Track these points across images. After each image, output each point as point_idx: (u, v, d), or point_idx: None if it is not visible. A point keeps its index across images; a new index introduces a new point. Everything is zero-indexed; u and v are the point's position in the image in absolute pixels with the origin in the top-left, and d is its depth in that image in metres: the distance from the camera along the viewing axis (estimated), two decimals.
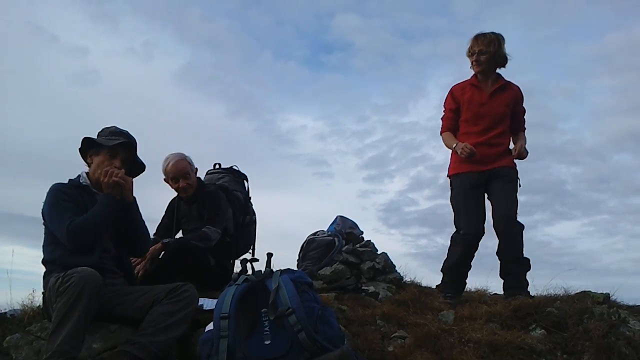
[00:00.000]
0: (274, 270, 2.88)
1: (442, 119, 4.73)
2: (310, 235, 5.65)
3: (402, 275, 5.34)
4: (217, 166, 4.83)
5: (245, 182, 4.77)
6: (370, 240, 5.61)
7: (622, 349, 3.12)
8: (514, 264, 4.30)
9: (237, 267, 4.28)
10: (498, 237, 4.34)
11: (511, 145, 4.57)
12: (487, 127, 4.45)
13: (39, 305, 3.35)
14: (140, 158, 3.37)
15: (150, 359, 2.57)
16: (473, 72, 4.58)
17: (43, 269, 3.03)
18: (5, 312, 3.69)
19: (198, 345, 2.67)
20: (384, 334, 3.39)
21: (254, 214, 4.69)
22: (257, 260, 3.62)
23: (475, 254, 4.45)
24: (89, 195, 3.13)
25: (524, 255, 4.32)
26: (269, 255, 3.12)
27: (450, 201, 4.58)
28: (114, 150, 3.16)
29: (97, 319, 2.72)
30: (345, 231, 5.70)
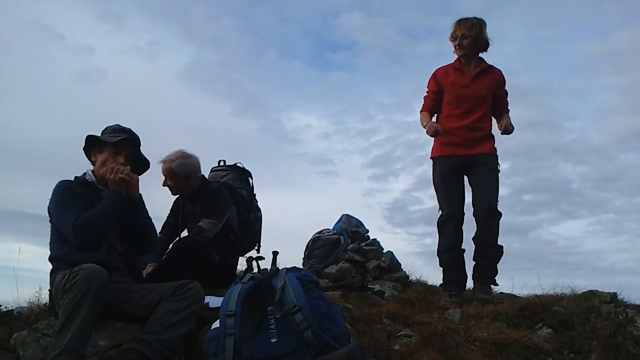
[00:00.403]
0: (280, 268, 2.88)
1: (423, 98, 4.85)
2: (315, 234, 5.65)
3: (407, 273, 5.33)
4: (221, 163, 4.83)
5: (249, 179, 4.76)
6: (375, 239, 5.60)
7: (630, 348, 3.11)
8: (488, 250, 4.45)
9: (243, 264, 4.32)
10: (477, 224, 4.48)
11: (494, 130, 4.69)
12: (468, 109, 4.57)
13: (46, 303, 3.35)
14: (145, 156, 3.38)
15: (157, 357, 2.57)
16: (456, 56, 4.69)
17: (49, 266, 3.03)
18: (12, 310, 3.71)
19: (204, 342, 2.67)
20: (390, 333, 3.39)
21: (259, 210, 4.70)
22: (262, 258, 3.63)
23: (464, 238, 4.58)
24: (95, 192, 3.14)
25: (498, 243, 4.48)
26: (275, 253, 3.13)
27: (433, 184, 4.73)
28: (117, 146, 3.17)
29: (103, 317, 2.72)
30: (350, 230, 5.70)
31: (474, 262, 4.49)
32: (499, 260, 4.49)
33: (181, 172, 4.15)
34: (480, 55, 4.68)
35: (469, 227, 4.57)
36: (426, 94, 4.83)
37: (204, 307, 3.07)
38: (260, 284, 2.77)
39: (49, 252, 3.06)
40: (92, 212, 2.94)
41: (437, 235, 4.66)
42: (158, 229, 3.95)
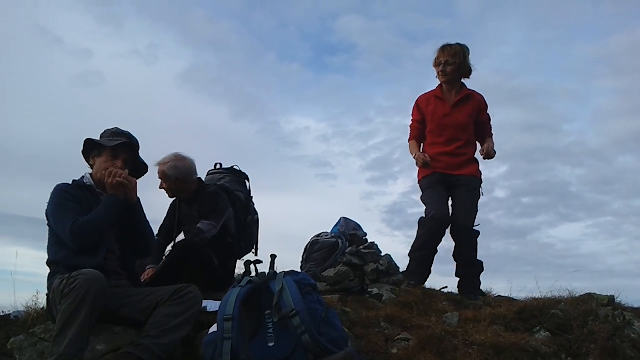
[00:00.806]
0: (278, 272, 2.88)
1: (410, 126, 4.99)
2: (313, 237, 5.64)
3: None
4: (218, 166, 4.83)
5: (246, 181, 4.77)
6: (374, 242, 5.58)
7: (627, 351, 3.11)
8: (467, 267, 4.61)
9: (240, 268, 4.32)
10: (455, 242, 4.65)
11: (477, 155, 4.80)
12: (451, 137, 4.69)
13: (43, 307, 3.35)
14: (143, 159, 3.38)
15: None
16: (439, 82, 4.78)
17: (47, 271, 3.03)
18: (9, 314, 3.70)
19: (202, 347, 2.66)
20: (388, 336, 3.38)
21: (256, 213, 4.70)
22: (260, 262, 3.61)
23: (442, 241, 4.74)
24: (93, 196, 3.14)
25: (478, 259, 4.63)
26: (273, 257, 3.13)
27: (421, 199, 4.83)
28: (116, 150, 3.17)
29: (101, 321, 2.71)
30: (348, 233, 5.69)
31: (458, 277, 4.65)
32: (480, 274, 4.64)
33: (172, 175, 4.17)
34: (463, 80, 4.79)
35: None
36: (411, 122, 4.97)
37: (202, 311, 3.06)
38: (258, 287, 2.77)
39: (46, 256, 3.05)
40: (90, 215, 2.94)
41: (417, 235, 4.78)
42: (155, 231, 3.96)
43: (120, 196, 3.05)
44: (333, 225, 5.91)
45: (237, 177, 4.74)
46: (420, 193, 4.84)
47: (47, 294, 2.96)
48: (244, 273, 3.65)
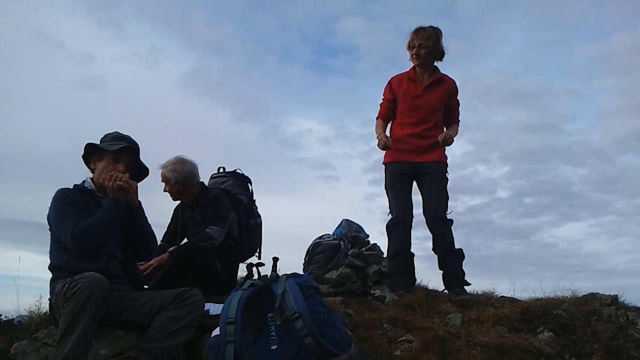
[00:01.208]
0: (280, 274, 2.87)
1: (380, 105, 5.02)
2: (316, 239, 5.63)
3: None
4: (220, 170, 4.85)
5: (249, 185, 4.78)
6: (376, 244, 5.58)
7: (631, 351, 3.10)
8: (448, 256, 4.60)
9: (243, 271, 4.32)
10: (431, 234, 4.66)
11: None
12: (420, 119, 4.73)
13: (46, 312, 3.35)
14: (145, 163, 3.39)
15: None
16: (412, 65, 4.81)
17: (50, 275, 3.03)
18: (13, 319, 3.71)
19: (205, 350, 2.66)
20: (391, 338, 3.38)
21: (258, 216, 4.71)
22: (263, 264, 3.62)
23: (412, 241, 4.76)
24: (94, 200, 3.14)
25: (456, 247, 4.63)
26: (275, 259, 3.13)
27: (385, 188, 4.90)
28: (117, 154, 3.18)
29: (103, 325, 2.72)
30: (350, 235, 5.68)
31: (441, 270, 4.65)
32: (462, 262, 4.65)
33: (172, 178, 4.20)
34: (436, 64, 4.83)
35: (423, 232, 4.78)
36: (382, 101, 5.00)
37: (205, 314, 3.06)
38: (261, 290, 2.77)
39: (49, 261, 3.06)
40: (91, 220, 2.94)
41: (387, 242, 4.82)
42: (159, 236, 3.97)
43: (121, 200, 3.05)
44: (335, 227, 5.92)
45: (240, 181, 4.75)
46: (384, 177, 4.90)
47: (49, 299, 2.97)
48: (246, 276, 3.65)
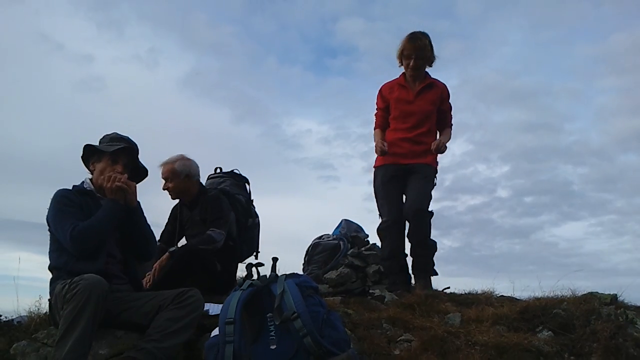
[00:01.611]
0: (279, 274, 2.88)
1: (374, 115, 5.03)
2: (315, 239, 5.65)
3: None
4: (218, 170, 4.86)
5: (246, 185, 4.79)
6: (375, 244, 5.58)
7: (630, 350, 3.10)
8: (420, 247, 4.59)
9: (242, 271, 4.33)
10: (409, 223, 4.63)
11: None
12: (414, 124, 4.72)
13: (46, 312, 3.36)
14: (144, 163, 3.39)
15: None
16: (402, 71, 4.82)
17: (49, 276, 3.04)
18: (12, 319, 3.71)
19: (204, 350, 2.66)
20: (390, 338, 3.38)
21: (256, 216, 4.72)
22: (262, 264, 3.61)
23: (406, 242, 4.71)
24: (93, 201, 3.15)
25: (431, 239, 4.63)
26: (274, 259, 3.13)
27: (374, 192, 4.89)
28: (115, 155, 3.19)
29: (103, 325, 2.72)
30: (350, 235, 5.70)
31: (412, 258, 4.65)
32: (433, 254, 4.66)
33: (183, 172, 4.22)
34: (426, 69, 4.81)
35: None
36: (376, 111, 5.01)
37: (204, 314, 3.07)
38: (260, 290, 2.77)
39: (48, 261, 3.06)
40: (90, 221, 2.95)
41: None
42: (157, 236, 3.97)
43: (119, 201, 3.06)
44: (335, 227, 5.93)
45: (238, 181, 4.76)
46: (373, 180, 4.89)
47: (49, 299, 2.98)
48: (245, 276, 3.66)
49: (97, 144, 3.29)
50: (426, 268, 4.59)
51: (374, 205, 4.87)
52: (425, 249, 4.60)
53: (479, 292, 4.88)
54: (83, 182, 3.25)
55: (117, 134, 3.33)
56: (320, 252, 5.38)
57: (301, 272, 4.60)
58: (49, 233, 3.09)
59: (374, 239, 5.78)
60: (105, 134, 3.34)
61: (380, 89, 4.96)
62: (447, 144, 4.75)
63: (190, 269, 3.68)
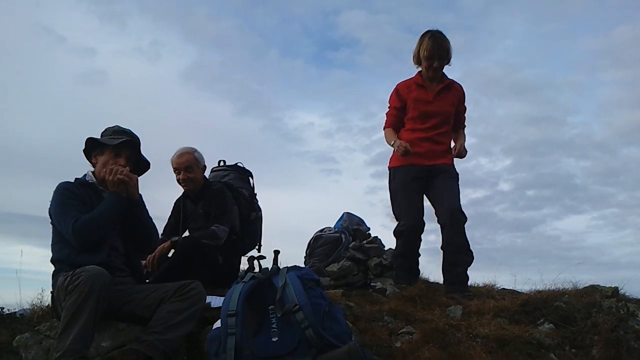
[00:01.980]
0: (281, 267, 2.88)
1: (386, 114, 4.83)
2: (317, 232, 5.65)
3: None
4: (221, 163, 4.84)
5: (250, 178, 4.78)
6: (377, 237, 5.59)
7: (631, 342, 3.10)
8: (461, 255, 4.31)
9: (244, 264, 4.33)
10: (443, 228, 4.38)
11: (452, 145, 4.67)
12: (434, 125, 4.57)
13: (48, 305, 3.37)
14: (146, 156, 3.40)
15: (159, 357, 2.58)
16: (418, 70, 4.68)
17: (52, 268, 3.05)
18: (15, 312, 3.73)
19: (206, 342, 2.68)
20: (392, 330, 3.39)
21: (259, 210, 4.71)
22: (264, 257, 3.62)
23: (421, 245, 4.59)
24: (95, 193, 3.15)
25: (470, 248, 4.37)
26: (276, 252, 3.13)
27: (390, 192, 4.70)
28: (118, 149, 3.19)
29: (105, 318, 2.73)
30: (352, 228, 5.70)
31: (446, 271, 4.38)
32: (469, 266, 4.38)
33: (201, 162, 4.28)
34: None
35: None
36: (388, 109, 4.81)
37: (206, 307, 3.08)
38: (262, 283, 2.78)
39: (50, 254, 3.07)
40: (92, 213, 2.95)
41: (395, 243, 4.67)
42: (160, 229, 3.97)
43: (121, 193, 3.07)
44: (336, 220, 5.93)
45: (241, 174, 4.75)
46: (389, 181, 4.71)
47: (51, 292, 2.99)
48: (247, 269, 3.67)
49: (99, 137, 3.29)
50: (462, 281, 4.31)
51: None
52: (463, 259, 4.34)
53: (481, 285, 4.90)
54: (85, 174, 3.25)
55: (119, 127, 3.33)
56: (322, 245, 5.38)
57: (303, 265, 4.61)
58: (51, 226, 3.09)
59: (375, 232, 5.80)
60: (107, 127, 3.34)
61: (397, 87, 4.76)
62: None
63: (192, 262, 3.69)
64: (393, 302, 3.86)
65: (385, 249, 5.41)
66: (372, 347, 3.08)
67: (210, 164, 4.81)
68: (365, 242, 5.41)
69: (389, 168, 4.74)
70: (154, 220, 3.35)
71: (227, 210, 4.16)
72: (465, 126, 4.85)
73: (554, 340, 3.13)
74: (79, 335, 2.42)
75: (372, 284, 4.76)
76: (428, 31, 4.54)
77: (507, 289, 4.77)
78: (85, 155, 3.31)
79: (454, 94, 4.65)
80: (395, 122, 4.74)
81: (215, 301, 3.21)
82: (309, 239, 5.63)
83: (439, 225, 4.48)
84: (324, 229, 5.71)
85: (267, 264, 3.05)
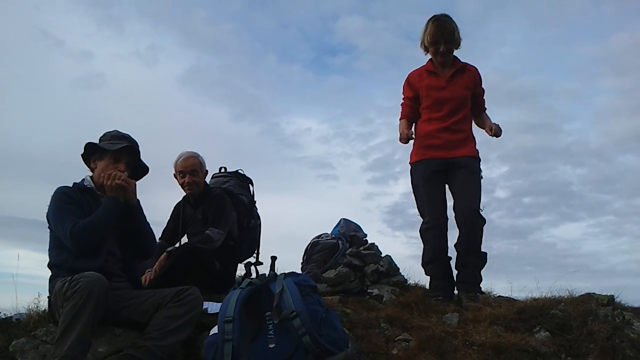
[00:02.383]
0: (278, 273, 2.89)
1: (401, 105, 4.72)
2: (314, 238, 5.65)
3: (406, 277, 5.33)
4: (222, 170, 4.86)
5: (250, 186, 4.79)
6: (374, 243, 5.60)
7: (627, 351, 3.11)
8: (471, 256, 4.24)
9: (242, 270, 4.34)
10: (459, 228, 4.28)
11: (475, 130, 4.58)
12: (449, 112, 4.41)
13: (45, 310, 3.36)
14: (144, 161, 3.40)
15: None
16: (429, 58, 4.55)
17: (49, 273, 3.04)
18: (11, 317, 3.72)
19: (203, 348, 2.68)
20: (388, 337, 3.39)
21: (258, 218, 4.72)
22: (261, 263, 3.63)
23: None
24: (93, 198, 3.15)
25: (482, 250, 4.30)
26: (273, 258, 3.14)
27: (413, 189, 4.58)
28: (117, 154, 3.19)
29: (102, 323, 2.72)
30: (349, 234, 5.71)
31: (457, 270, 4.34)
32: (483, 267, 4.33)
33: (204, 166, 4.32)
34: (454, 53, 4.53)
35: (452, 233, 4.43)
36: (402, 100, 4.72)
37: (203, 313, 3.07)
38: (259, 289, 2.79)
39: (48, 259, 3.07)
40: (90, 218, 2.95)
41: (423, 243, 4.50)
42: (158, 234, 3.97)
43: (119, 198, 3.07)
44: (333, 227, 5.94)
45: (242, 181, 4.76)
46: (411, 177, 4.59)
47: (48, 297, 2.98)
48: (244, 275, 3.67)
49: (98, 141, 3.29)
50: (474, 281, 4.26)
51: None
52: (476, 260, 4.26)
53: None
54: (83, 179, 3.25)
55: (118, 131, 3.33)
56: (319, 251, 5.38)
57: (300, 271, 4.61)
58: (48, 230, 3.09)
59: (372, 238, 5.82)
60: (105, 131, 3.34)
61: (408, 77, 4.64)
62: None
63: (189, 268, 3.68)
64: (390, 309, 3.87)
65: (382, 255, 5.42)
66: (368, 354, 3.08)
67: (210, 169, 4.83)
68: (362, 248, 5.42)
69: (410, 164, 4.62)
70: (151, 225, 3.35)
71: (224, 215, 4.17)
72: (486, 108, 4.70)
73: (550, 348, 3.14)
74: (76, 341, 2.42)
75: (368, 290, 4.76)
76: (433, 16, 4.42)
77: (503, 297, 4.79)
78: (84, 160, 3.31)
79: (468, 77, 4.49)
80: (410, 113, 4.63)
81: (212, 307, 3.21)
82: (306, 245, 5.63)
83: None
84: (321, 235, 5.72)
85: (264, 270, 3.05)
